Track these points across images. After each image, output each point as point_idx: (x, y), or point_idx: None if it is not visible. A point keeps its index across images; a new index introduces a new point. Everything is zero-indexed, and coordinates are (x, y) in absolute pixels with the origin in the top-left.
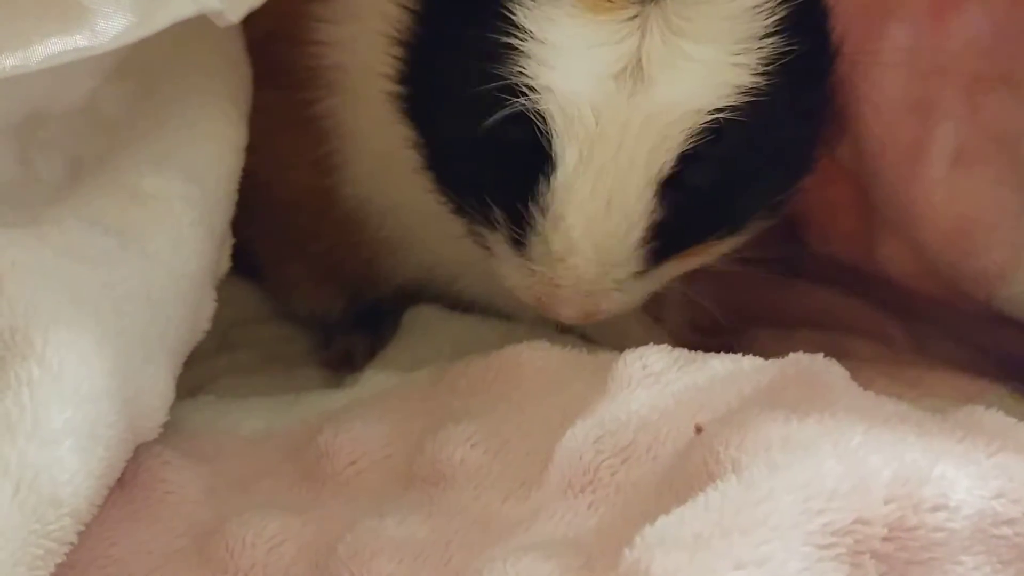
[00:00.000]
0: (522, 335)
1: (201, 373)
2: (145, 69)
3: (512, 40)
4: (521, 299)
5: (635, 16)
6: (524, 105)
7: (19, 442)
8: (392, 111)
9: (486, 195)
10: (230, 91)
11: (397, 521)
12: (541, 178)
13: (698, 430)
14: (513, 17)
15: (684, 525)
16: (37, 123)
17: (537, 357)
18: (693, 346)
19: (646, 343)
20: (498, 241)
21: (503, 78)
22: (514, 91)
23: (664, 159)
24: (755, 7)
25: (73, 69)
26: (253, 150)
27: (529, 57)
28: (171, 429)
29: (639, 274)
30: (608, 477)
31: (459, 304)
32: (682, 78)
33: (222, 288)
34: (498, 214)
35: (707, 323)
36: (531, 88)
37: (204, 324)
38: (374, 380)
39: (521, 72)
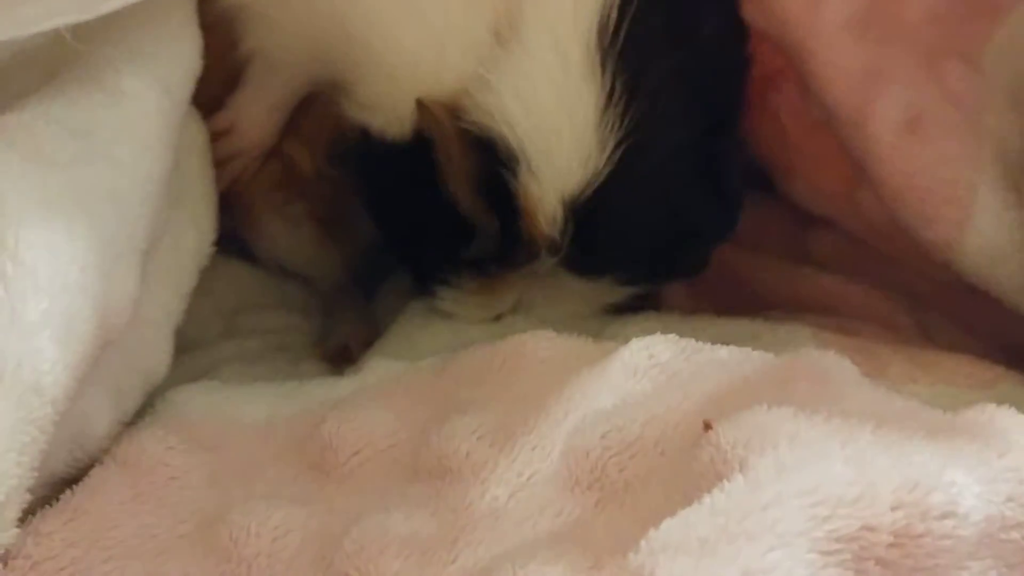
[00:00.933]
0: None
1: (206, 359)
2: None
3: None
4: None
5: None
6: None
7: None
8: None
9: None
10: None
11: (403, 516)
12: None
13: (707, 427)
14: None
15: (689, 529)
16: (14, 59)
17: (542, 347)
18: None
19: None
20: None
21: None
22: None
23: None
24: None
25: None
26: None
27: None
28: (174, 413)
29: None
30: (616, 474)
31: None
32: None
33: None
34: None
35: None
36: None
37: (164, 225)
38: (378, 368)
39: None
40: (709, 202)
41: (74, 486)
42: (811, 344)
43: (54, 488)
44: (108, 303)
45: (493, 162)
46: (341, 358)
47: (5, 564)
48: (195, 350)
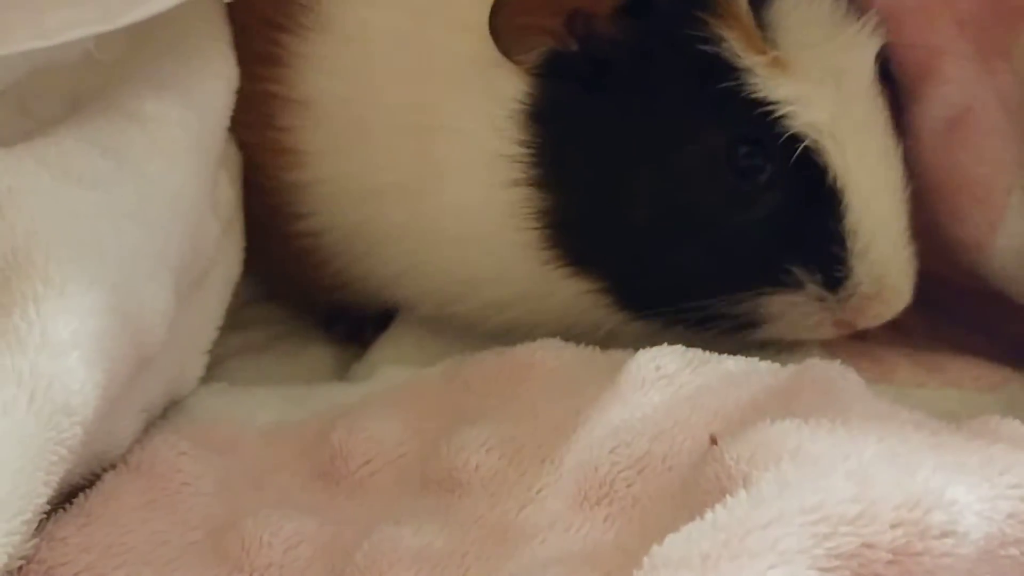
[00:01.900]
0: None
1: (213, 352)
2: None
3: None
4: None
5: None
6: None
7: (30, 354)
8: None
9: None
10: (225, 33)
11: (413, 530)
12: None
13: (713, 442)
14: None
15: (692, 545)
16: (37, 76)
17: (550, 356)
18: None
19: None
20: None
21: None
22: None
23: None
24: None
25: None
26: None
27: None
28: (185, 417)
29: None
30: (624, 489)
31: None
32: None
33: None
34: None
35: None
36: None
37: (209, 249)
38: (387, 374)
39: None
40: None
41: (87, 491)
42: (817, 349)
43: (68, 492)
44: (140, 322)
45: None
46: (353, 336)
47: (20, 570)
48: None
